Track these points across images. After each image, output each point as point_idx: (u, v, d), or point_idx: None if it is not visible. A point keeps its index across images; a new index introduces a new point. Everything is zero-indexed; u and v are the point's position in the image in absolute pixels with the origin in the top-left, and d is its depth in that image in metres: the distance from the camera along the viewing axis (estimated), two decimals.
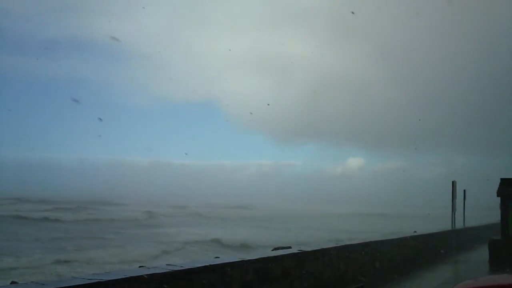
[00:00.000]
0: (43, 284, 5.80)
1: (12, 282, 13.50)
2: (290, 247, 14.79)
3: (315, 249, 12.05)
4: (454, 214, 26.87)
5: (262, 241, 39.64)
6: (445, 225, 26.97)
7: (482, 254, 21.97)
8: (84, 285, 6.00)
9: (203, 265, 8.21)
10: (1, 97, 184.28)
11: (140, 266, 9.68)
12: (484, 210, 37.16)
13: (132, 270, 7.73)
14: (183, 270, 7.63)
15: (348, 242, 14.74)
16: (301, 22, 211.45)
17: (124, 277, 6.63)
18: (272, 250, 15.42)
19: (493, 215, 26.19)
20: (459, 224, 28.48)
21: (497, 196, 20.53)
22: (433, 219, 30.38)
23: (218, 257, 11.87)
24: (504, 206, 20.46)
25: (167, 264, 8.10)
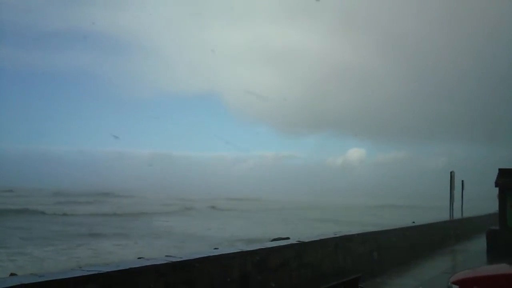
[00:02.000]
0: (42, 276, 5.80)
1: (12, 274, 13.56)
2: (288, 238, 14.85)
3: (314, 239, 12.09)
4: (453, 204, 27.00)
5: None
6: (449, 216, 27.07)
7: (480, 244, 22.06)
8: (83, 276, 6.01)
9: (202, 256, 8.23)
10: (3, 90, 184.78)
11: (139, 258, 9.70)
12: (483, 200, 37.29)
13: (131, 262, 7.75)
14: (182, 261, 7.65)
15: (346, 233, 14.77)
16: (306, 14, 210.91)
17: (123, 268, 6.65)
18: (271, 241, 15.48)
19: (493, 205, 26.25)
20: (457, 215, 28.62)
21: (495, 186, 20.60)
22: (440, 210, 30.39)
23: (217, 248, 11.92)
24: (502, 196, 20.55)
25: (166, 255, 8.11)
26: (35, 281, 5.51)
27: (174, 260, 7.57)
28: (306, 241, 11.64)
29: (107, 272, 6.37)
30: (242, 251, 9.10)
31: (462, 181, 29.38)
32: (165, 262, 7.39)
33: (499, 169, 21.02)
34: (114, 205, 72.38)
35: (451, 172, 26.96)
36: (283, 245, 10.79)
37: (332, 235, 13.61)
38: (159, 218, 57.11)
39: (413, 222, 23.72)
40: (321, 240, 12.31)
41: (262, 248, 9.86)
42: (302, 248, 11.15)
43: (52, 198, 79.92)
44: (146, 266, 7.04)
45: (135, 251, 28.01)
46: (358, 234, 15.02)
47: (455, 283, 8.68)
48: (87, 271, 6.30)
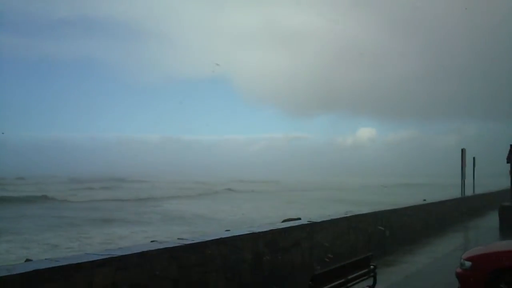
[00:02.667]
0: (57, 261, 5.87)
1: (27, 260, 13.73)
2: (299, 219, 14.88)
3: (325, 220, 12.12)
4: (464, 181, 26.91)
5: None
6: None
7: (492, 220, 22.01)
8: (97, 260, 6.08)
9: (214, 238, 8.29)
10: (15, 79, 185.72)
11: (152, 241, 9.79)
12: (495, 177, 36.97)
13: (144, 245, 7.82)
14: (194, 243, 7.71)
15: (357, 212, 14.80)
16: None
17: (136, 252, 6.72)
18: (282, 221, 15.53)
19: (506, 182, 26.11)
20: (470, 192, 28.56)
21: (507, 162, 20.48)
22: (452, 188, 30.13)
23: (229, 230, 11.98)
24: None
25: (178, 238, 8.18)
26: (50, 266, 5.59)
27: (186, 242, 7.63)
28: (317, 221, 11.68)
29: (121, 255, 6.44)
30: (253, 233, 9.15)
31: (474, 158, 29.26)
32: (178, 244, 7.45)
33: (511, 145, 20.87)
34: (130, 190, 72.53)
35: (462, 149, 26.83)
36: (294, 226, 10.83)
37: (343, 215, 13.65)
38: (178, 201, 57.05)
39: (424, 200, 23.70)
40: (332, 220, 12.34)
41: (273, 229, 9.91)
42: (313, 228, 11.19)
43: (66, 185, 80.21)
44: (159, 249, 7.10)
45: (150, 235, 28.16)
46: (369, 213, 15.04)
47: (467, 259, 8.69)
48: (101, 255, 6.37)
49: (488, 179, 38.07)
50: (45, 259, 6.38)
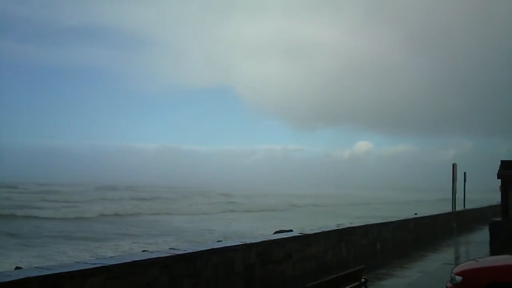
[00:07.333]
0: (48, 269, 5.83)
1: (17, 267, 13.60)
2: (291, 230, 14.87)
3: (316, 232, 12.12)
4: (455, 196, 27.05)
5: None
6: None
7: (482, 235, 22.07)
8: (88, 269, 6.04)
9: (206, 248, 8.26)
10: (18, 86, 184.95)
11: (143, 251, 9.75)
12: (488, 192, 36.93)
13: (135, 255, 7.78)
14: (186, 253, 7.68)
15: (349, 225, 14.80)
16: (326, 8, 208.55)
17: (127, 261, 6.68)
18: (274, 233, 15.51)
19: (497, 197, 26.18)
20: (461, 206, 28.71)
21: (498, 178, 20.57)
22: (447, 202, 29.76)
23: (221, 241, 11.95)
24: (504, 188, 20.53)
25: (170, 248, 8.15)
26: (40, 274, 5.54)
27: (178, 253, 7.60)
28: (309, 233, 11.68)
29: (112, 264, 6.40)
30: (245, 244, 9.13)
31: (464, 173, 29.47)
32: (169, 255, 7.42)
33: (501, 161, 21.01)
34: (187, 202, 68.06)
35: (453, 164, 27.04)
36: (286, 237, 10.82)
37: (335, 227, 13.65)
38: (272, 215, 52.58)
39: (415, 214, 23.77)
40: (323, 232, 12.34)
41: (265, 241, 9.90)
42: (305, 240, 11.19)
43: (92, 193, 76.52)
44: (151, 258, 7.07)
45: None
46: (361, 226, 15.06)
47: (458, 274, 8.69)
48: (92, 264, 6.33)
49: (481, 194, 38.00)
50: (35, 267, 6.33)
